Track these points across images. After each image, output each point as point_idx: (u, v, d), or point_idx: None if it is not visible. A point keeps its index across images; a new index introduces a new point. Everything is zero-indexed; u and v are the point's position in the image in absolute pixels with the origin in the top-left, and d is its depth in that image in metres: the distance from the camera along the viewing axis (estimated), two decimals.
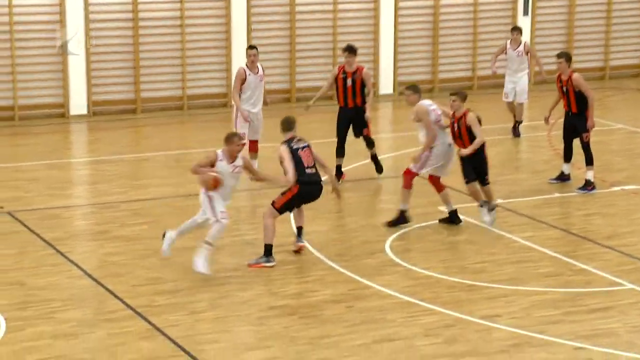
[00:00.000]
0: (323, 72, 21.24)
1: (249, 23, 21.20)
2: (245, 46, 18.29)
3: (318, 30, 21.82)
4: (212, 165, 12.02)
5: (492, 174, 14.22)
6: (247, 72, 15.93)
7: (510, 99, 19.09)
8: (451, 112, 13.73)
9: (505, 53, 19.09)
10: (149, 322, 10.76)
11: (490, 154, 17.33)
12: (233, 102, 16.25)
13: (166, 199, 15.22)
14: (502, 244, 13.22)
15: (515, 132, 18.96)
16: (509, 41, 19.10)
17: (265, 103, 16.29)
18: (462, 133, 13.60)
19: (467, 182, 13.71)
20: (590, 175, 15.33)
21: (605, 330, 10.59)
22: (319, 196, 12.67)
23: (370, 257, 12.75)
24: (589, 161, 15.33)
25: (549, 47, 23.00)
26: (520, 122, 18.95)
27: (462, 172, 13.72)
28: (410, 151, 15.77)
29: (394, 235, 13.52)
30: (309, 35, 21.78)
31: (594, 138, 15.87)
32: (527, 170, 16.89)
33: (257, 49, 16.28)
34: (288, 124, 12.71)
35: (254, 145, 16.24)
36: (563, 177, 15.64)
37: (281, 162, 12.54)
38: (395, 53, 22.17)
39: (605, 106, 21.20)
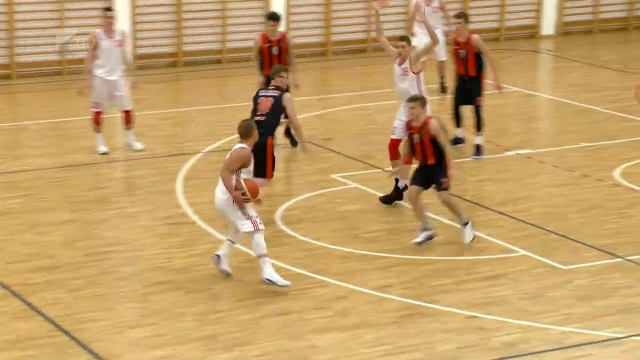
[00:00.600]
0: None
1: None
2: None
3: None
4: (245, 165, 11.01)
5: (384, 140, 14.23)
6: (101, 36, 15.53)
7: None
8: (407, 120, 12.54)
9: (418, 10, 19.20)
10: (25, 302, 10.60)
11: (383, 119, 17.58)
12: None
13: (43, 170, 14.96)
14: (396, 212, 13.34)
15: (443, 88, 19.13)
16: None
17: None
18: (425, 145, 12.12)
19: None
20: (480, 140, 15.53)
21: (498, 297, 10.81)
22: None
23: None
24: (481, 126, 15.52)
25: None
26: (444, 76, 19.11)
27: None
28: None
29: (284, 205, 13.54)
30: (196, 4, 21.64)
31: (488, 102, 16.09)
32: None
33: (113, 10, 15.84)
34: None
35: (127, 116, 15.67)
36: (457, 141, 15.80)
37: None
38: (288, 15, 22.09)
39: (500, 68, 21.46)
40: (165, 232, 12.63)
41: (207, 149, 15.98)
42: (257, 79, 15.56)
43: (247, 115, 12.91)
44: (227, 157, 11.00)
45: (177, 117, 18.19)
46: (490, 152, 15.67)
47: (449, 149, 12.12)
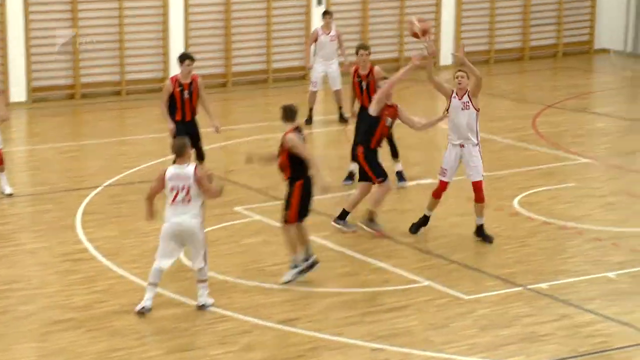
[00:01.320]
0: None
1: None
2: None
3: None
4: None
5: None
6: None
7: (317, 88, 19.32)
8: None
9: (316, 40, 19.36)
10: None
11: None
12: None
13: None
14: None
15: (342, 117, 19.27)
16: (320, 27, 19.37)
17: None
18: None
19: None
20: (399, 166, 15.68)
21: (403, 329, 10.87)
22: None
23: None
24: (397, 153, 15.66)
25: (344, 38, 23.39)
26: (341, 107, 19.29)
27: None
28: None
29: None
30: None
31: None
32: (324, 166, 17.07)
33: None
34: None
35: None
36: (351, 176, 15.77)
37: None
38: (186, 46, 22.04)
39: (401, 98, 21.67)
40: (66, 268, 12.44)
41: (107, 182, 15.82)
42: (168, 125, 14.84)
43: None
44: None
45: (76, 151, 17.98)
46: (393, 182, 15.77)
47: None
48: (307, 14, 22.95)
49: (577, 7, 25.65)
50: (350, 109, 15.95)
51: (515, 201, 14.94)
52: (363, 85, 15.56)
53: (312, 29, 22.53)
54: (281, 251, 13.05)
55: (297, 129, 11.98)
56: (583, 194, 15.32)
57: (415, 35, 13.45)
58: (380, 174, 13.53)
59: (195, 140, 14.77)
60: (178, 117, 14.87)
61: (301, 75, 23.06)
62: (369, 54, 15.78)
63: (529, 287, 11.99)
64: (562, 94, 21.68)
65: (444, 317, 11.20)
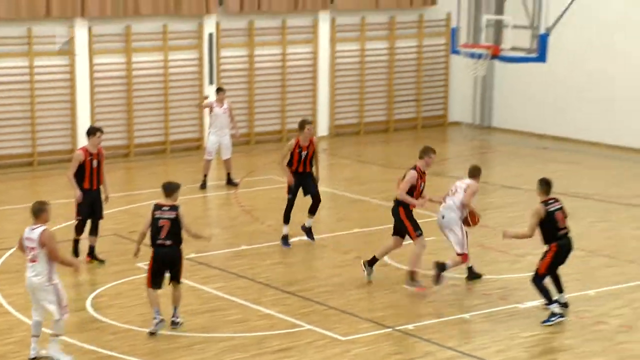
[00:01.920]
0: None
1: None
2: None
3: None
4: None
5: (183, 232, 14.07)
6: None
7: (212, 157, 19.30)
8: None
9: (211, 112, 19.38)
10: None
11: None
12: None
13: None
14: (194, 295, 13.21)
15: (231, 182, 19.23)
16: (214, 101, 19.42)
17: None
18: None
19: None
20: (310, 222, 15.56)
21: None
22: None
23: (72, 315, 12.33)
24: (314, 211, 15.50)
25: (234, 113, 23.46)
26: (230, 173, 19.28)
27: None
28: None
29: (95, 293, 13.19)
30: None
31: (275, 194, 16.23)
32: (217, 225, 17.03)
33: None
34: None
35: None
36: (286, 240, 15.62)
37: None
38: (92, 121, 21.79)
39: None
40: None
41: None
42: (75, 193, 14.42)
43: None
44: None
45: None
46: (279, 239, 15.77)
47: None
48: (200, 92, 22.94)
49: (433, 86, 26.21)
50: (287, 175, 15.42)
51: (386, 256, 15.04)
52: (303, 154, 15.33)
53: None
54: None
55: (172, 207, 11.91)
56: (442, 246, 15.44)
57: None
58: (417, 228, 13.47)
59: (99, 207, 14.57)
60: (86, 186, 14.54)
61: (196, 145, 23.00)
62: (313, 128, 15.73)
63: (397, 328, 12.06)
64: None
65: (323, 356, 11.19)
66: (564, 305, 12.55)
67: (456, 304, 12.95)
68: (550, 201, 12.46)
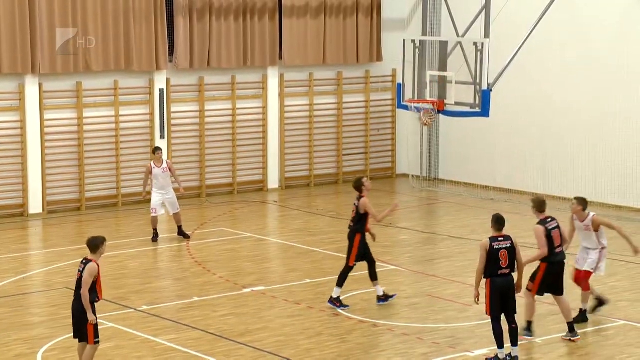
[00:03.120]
0: None
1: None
2: None
3: None
4: None
5: (135, 284, 14.06)
6: None
7: (159, 213, 19.27)
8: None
9: (150, 173, 19.34)
10: None
11: (134, 265, 17.41)
12: None
13: None
14: (147, 348, 13.10)
15: (182, 234, 19.25)
16: (152, 162, 19.39)
17: None
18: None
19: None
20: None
21: None
22: None
23: None
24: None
25: (185, 167, 23.53)
26: (181, 225, 19.24)
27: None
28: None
29: (46, 347, 13.02)
30: None
31: (226, 246, 16.19)
32: (169, 277, 16.95)
33: None
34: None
35: None
36: None
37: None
38: (43, 175, 21.67)
39: (235, 217, 21.85)
40: None
41: None
42: None
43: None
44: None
45: None
46: (230, 290, 15.76)
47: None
48: (152, 146, 22.92)
49: (381, 139, 26.48)
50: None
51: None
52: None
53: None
54: (130, 355, 12.81)
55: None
56: None
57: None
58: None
59: None
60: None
61: (148, 199, 22.94)
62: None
63: None
64: None
65: None
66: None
67: (407, 353, 12.98)
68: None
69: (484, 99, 19.32)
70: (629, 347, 13.22)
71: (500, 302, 12.46)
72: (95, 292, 11.58)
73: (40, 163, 21.83)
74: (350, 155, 26.06)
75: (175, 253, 18.76)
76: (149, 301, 15.13)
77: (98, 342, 11.49)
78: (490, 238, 12.55)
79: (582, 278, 14.10)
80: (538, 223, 13.35)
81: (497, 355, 12.48)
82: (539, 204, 13.47)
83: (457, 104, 20.11)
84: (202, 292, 15.73)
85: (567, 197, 23.00)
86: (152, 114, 23.01)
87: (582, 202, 14.10)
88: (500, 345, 12.46)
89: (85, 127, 22.29)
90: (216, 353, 12.90)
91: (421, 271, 17.09)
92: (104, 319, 14.20)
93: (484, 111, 19.63)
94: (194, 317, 14.48)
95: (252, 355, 12.86)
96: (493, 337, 12.45)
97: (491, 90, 19.27)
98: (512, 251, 12.53)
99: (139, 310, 14.70)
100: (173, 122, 23.36)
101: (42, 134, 21.82)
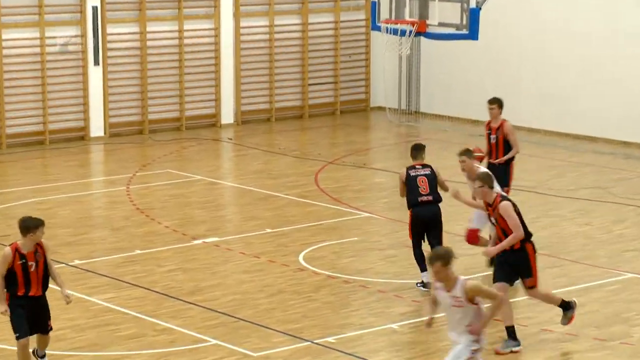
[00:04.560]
0: None
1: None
2: None
3: None
4: None
5: (66, 234, 13.94)
6: None
7: None
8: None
9: None
10: None
11: (65, 212, 17.26)
12: None
13: None
14: (81, 308, 13.03)
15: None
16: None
17: None
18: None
19: None
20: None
21: None
22: None
23: None
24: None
25: (123, 98, 23.30)
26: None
27: None
28: None
29: None
30: None
31: (173, 191, 16.09)
32: (105, 227, 16.81)
33: None
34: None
35: None
36: None
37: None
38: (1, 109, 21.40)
39: (183, 157, 21.72)
40: None
41: None
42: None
43: None
44: None
45: None
46: (178, 242, 15.68)
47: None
48: (85, 74, 22.65)
49: (353, 66, 26.34)
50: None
51: (300, 257, 15.07)
52: (491, 137, 15.65)
53: (89, 89, 22.38)
54: (61, 316, 12.73)
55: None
56: (365, 247, 15.62)
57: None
58: None
59: None
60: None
61: (80, 135, 22.73)
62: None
63: (316, 341, 12.06)
64: (341, 150, 22.14)
65: None
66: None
67: (383, 313, 13.01)
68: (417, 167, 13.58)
69: (472, 18, 19.28)
70: (636, 303, 13.31)
71: (424, 231, 13.50)
72: (14, 284, 10.64)
73: None
74: (317, 85, 25.93)
75: (113, 199, 18.62)
76: (82, 255, 15.03)
77: (17, 337, 10.89)
78: (407, 167, 13.56)
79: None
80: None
81: (422, 280, 13.48)
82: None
83: (440, 24, 20.07)
84: (145, 244, 15.65)
85: (569, 132, 23.04)
86: (84, 36, 22.71)
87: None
88: (422, 268, 13.42)
89: (5, 51, 21.97)
90: (161, 314, 12.86)
91: (398, 219, 17.06)
92: None
93: (472, 33, 19.60)
94: (135, 272, 14.41)
95: (203, 317, 12.82)
96: None
97: (480, 9, 19.20)
98: (433, 178, 13.52)
99: (71, 265, 14.60)
100: (109, 45, 23.08)
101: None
